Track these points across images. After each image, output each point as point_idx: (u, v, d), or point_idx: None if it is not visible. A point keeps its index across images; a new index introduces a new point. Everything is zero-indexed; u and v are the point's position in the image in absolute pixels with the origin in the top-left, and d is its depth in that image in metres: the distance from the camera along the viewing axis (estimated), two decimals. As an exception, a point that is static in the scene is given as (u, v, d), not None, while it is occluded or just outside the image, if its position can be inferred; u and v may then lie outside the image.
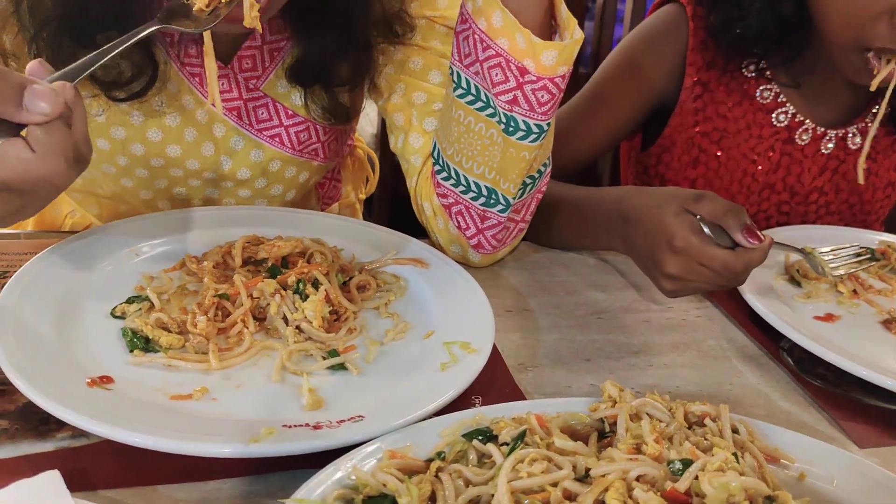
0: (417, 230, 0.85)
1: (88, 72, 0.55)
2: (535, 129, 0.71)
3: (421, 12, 0.83)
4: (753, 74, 1.03)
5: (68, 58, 0.69)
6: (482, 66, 0.70)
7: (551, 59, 0.67)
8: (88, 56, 0.55)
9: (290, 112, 0.84)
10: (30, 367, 0.53)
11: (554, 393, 0.65)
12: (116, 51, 0.56)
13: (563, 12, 0.70)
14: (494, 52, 0.68)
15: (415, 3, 0.83)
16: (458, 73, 0.73)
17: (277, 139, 0.84)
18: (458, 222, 0.80)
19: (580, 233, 0.89)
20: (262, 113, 0.83)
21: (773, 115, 1.03)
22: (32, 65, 0.53)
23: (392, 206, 2.04)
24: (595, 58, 1.75)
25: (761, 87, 1.03)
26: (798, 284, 0.85)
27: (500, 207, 0.76)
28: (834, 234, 0.97)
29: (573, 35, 0.68)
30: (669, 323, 0.78)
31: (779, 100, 1.03)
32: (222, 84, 0.81)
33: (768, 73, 1.02)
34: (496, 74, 0.69)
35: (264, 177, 0.86)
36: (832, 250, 0.87)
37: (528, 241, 0.89)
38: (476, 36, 0.69)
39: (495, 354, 0.67)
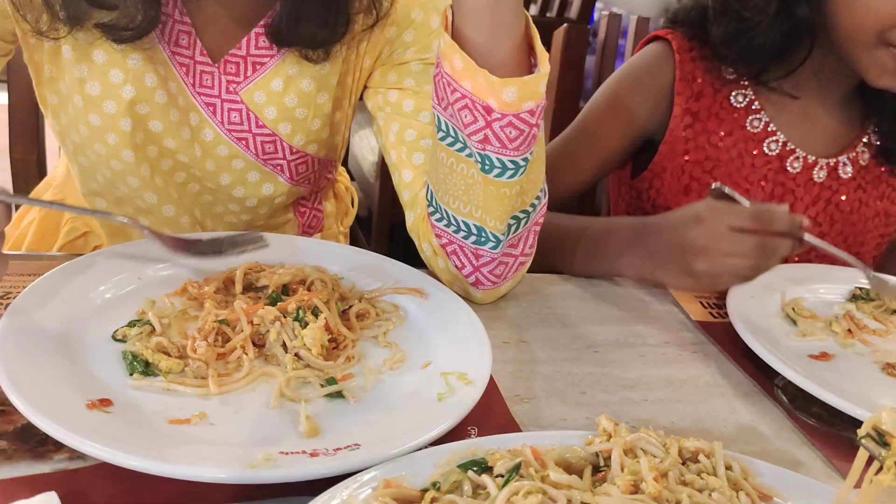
0: (416, 258, 0.86)
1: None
2: (510, 166, 0.71)
3: (416, 57, 0.86)
4: (743, 105, 1.05)
5: (75, 9, 0.75)
6: (453, 108, 0.70)
7: (512, 95, 0.67)
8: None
9: (260, 122, 0.86)
10: (30, 388, 0.53)
11: (549, 425, 0.65)
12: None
13: (538, 47, 0.70)
14: (461, 94, 0.68)
15: (411, 49, 0.86)
16: (437, 115, 0.73)
17: (244, 142, 0.87)
18: (455, 261, 0.80)
19: (588, 260, 0.92)
20: (235, 116, 0.86)
21: (765, 144, 1.05)
22: None
23: (391, 234, 2.05)
24: (596, 87, 1.77)
25: (751, 117, 1.05)
26: (793, 322, 0.86)
27: (490, 245, 0.77)
28: (827, 273, 0.98)
29: (542, 69, 0.68)
30: (665, 358, 0.79)
31: (769, 129, 1.05)
32: (206, 80, 0.84)
33: (757, 103, 1.04)
34: (465, 116, 0.69)
35: (228, 173, 0.89)
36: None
37: (530, 272, 0.90)
38: (444, 79, 0.69)
39: (492, 385, 0.67)
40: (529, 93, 0.67)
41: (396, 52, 0.87)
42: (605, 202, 1.46)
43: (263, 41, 0.84)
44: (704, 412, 0.71)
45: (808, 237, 0.84)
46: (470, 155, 0.72)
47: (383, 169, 1.91)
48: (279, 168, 0.90)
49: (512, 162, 0.70)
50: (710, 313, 0.88)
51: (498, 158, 0.70)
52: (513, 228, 0.77)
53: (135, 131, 0.83)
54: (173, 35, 0.82)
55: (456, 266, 0.81)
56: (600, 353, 0.78)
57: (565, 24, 1.32)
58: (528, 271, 0.87)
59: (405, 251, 0.90)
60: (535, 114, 0.69)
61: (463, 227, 0.77)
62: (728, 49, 1.00)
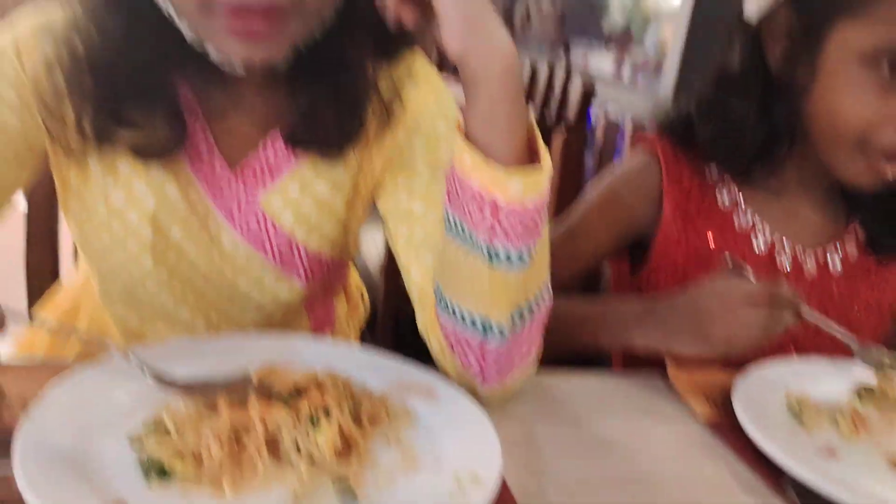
0: (420, 355, 0.87)
1: None
2: (515, 257, 0.74)
3: (425, 161, 0.90)
4: (729, 204, 1.09)
5: (104, 131, 0.79)
6: (463, 203, 0.74)
7: (517, 187, 0.71)
8: None
9: (277, 227, 0.89)
10: (48, 491, 0.54)
11: (561, 526, 0.66)
12: None
13: (541, 147, 0.74)
14: (470, 190, 0.73)
15: (420, 154, 0.90)
16: (447, 213, 0.77)
17: (261, 247, 0.90)
18: (460, 356, 0.82)
19: (596, 332, 0.98)
20: (253, 222, 0.89)
21: (753, 242, 1.08)
22: None
23: (395, 331, 2.06)
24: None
25: (737, 215, 1.09)
26: (799, 418, 0.86)
27: (495, 337, 0.79)
28: (830, 368, 0.99)
29: (545, 166, 0.72)
30: (674, 455, 0.79)
31: (756, 226, 1.08)
32: (225, 188, 0.88)
33: (743, 201, 1.08)
34: (474, 209, 0.73)
35: (245, 278, 0.91)
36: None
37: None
38: (456, 178, 0.74)
39: (502, 486, 0.68)
40: (533, 186, 0.71)
41: (405, 156, 0.91)
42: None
43: (280, 151, 0.88)
44: (715, 511, 0.71)
45: (806, 311, 0.91)
46: (477, 249, 0.75)
47: (388, 266, 1.94)
48: (295, 271, 0.93)
49: (518, 252, 0.74)
50: (716, 410, 0.89)
51: (504, 249, 0.73)
52: (517, 322, 0.79)
53: (156, 239, 0.86)
54: (195, 147, 0.86)
55: (462, 361, 0.82)
56: (610, 450, 0.79)
57: (564, 129, 1.38)
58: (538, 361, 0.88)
59: (410, 348, 0.92)
60: (539, 207, 0.73)
61: (468, 320, 0.79)
62: (713, 149, 1.05)
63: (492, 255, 0.74)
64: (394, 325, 2.07)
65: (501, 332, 0.78)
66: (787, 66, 0.98)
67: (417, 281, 0.87)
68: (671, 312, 0.93)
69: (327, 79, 0.84)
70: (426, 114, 0.91)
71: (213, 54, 0.77)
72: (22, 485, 0.54)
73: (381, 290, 2.06)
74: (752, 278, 0.92)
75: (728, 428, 0.85)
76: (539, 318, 0.83)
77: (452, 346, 0.82)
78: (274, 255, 0.90)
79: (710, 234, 1.08)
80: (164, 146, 0.81)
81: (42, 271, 1.23)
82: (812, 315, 0.91)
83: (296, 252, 0.91)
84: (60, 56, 0.78)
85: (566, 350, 1.00)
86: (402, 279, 0.91)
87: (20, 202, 1.13)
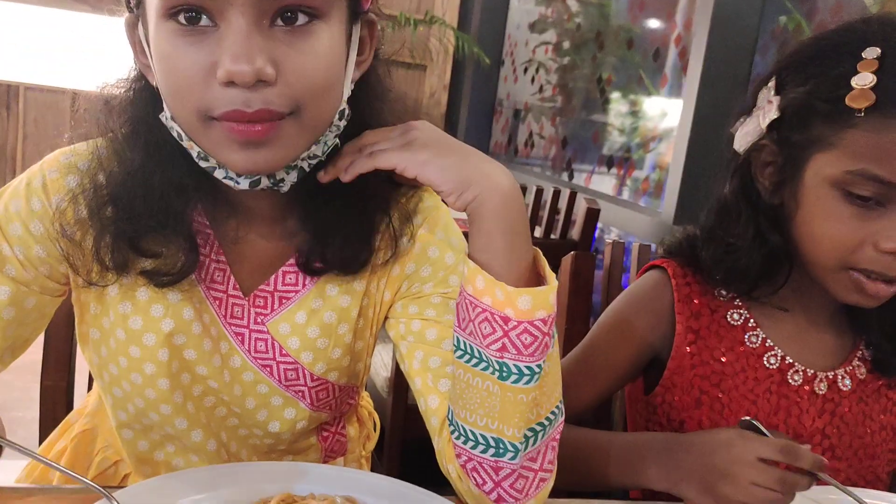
0: (429, 477, 0.87)
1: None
2: (526, 372, 0.77)
3: (435, 291, 0.92)
4: (739, 322, 1.11)
5: (123, 260, 0.82)
6: (473, 323, 0.78)
7: (527, 303, 0.75)
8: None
9: (284, 351, 0.91)
10: None
11: None
12: None
13: (546, 269, 0.80)
14: (482, 309, 0.77)
15: (429, 284, 0.92)
16: (457, 338, 0.81)
17: (268, 369, 0.92)
18: (475, 479, 0.82)
19: (611, 466, 0.97)
20: (261, 345, 0.91)
21: (764, 359, 1.10)
22: None
23: (403, 454, 2.03)
24: (605, 304, 1.85)
25: (748, 334, 1.10)
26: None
27: (509, 455, 0.79)
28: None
29: (551, 283, 0.78)
30: (697, 588, 0.78)
31: (766, 344, 1.10)
32: (237, 311, 0.90)
33: (752, 320, 1.10)
34: (485, 328, 0.77)
35: (253, 397, 0.93)
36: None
37: (553, 498, 0.90)
38: (467, 301, 0.78)
39: None
40: (541, 302, 0.76)
41: (415, 285, 0.93)
42: (620, 418, 1.48)
43: (290, 278, 0.91)
44: None
45: (824, 476, 0.89)
46: (486, 367, 0.78)
47: (396, 384, 1.94)
48: (300, 394, 0.94)
49: (528, 368, 0.76)
50: (740, 543, 0.88)
51: (515, 365, 0.76)
52: (531, 441, 0.80)
53: (171, 360, 0.88)
54: (209, 272, 0.89)
55: (477, 483, 0.82)
56: (631, 583, 0.77)
57: (573, 253, 1.41)
58: (553, 493, 0.88)
59: (417, 468, 0.92)
60: (547, 322, 0.77)
61: (481, 440, 0.80)
62: (717, 271, 1.08)
63: (503, 372, 0.77)
64: (401, 444, 2.04)
65: (515, 451, 0.79)
66: (774, 195, 1.04)
67: (434, 408, 0.88)
68: (686, 457, 0.93)
69: (337, 204, 0.87)
70: (435, 245, 0.93)
71: (221, 174, 0.80)
72: None
73: (388, 407, 2.05)
74: (769, 435, 0.91)
75: (751, 558, 0.83)
76: (553, 438, 0.84)
77: (467, 471, 0.82)
78: (279, 378, 0.92)
79: (721, 350, 1.10)
80: (178, 273, 0.84)
81: (56, 394, 1.24)
82: (829, 479, 0.90)
83: (301, 376, 0.93)
84: (83, 188, 0.83)
85: (581, 481, 0.99)
86: (409, 398, 0.91)
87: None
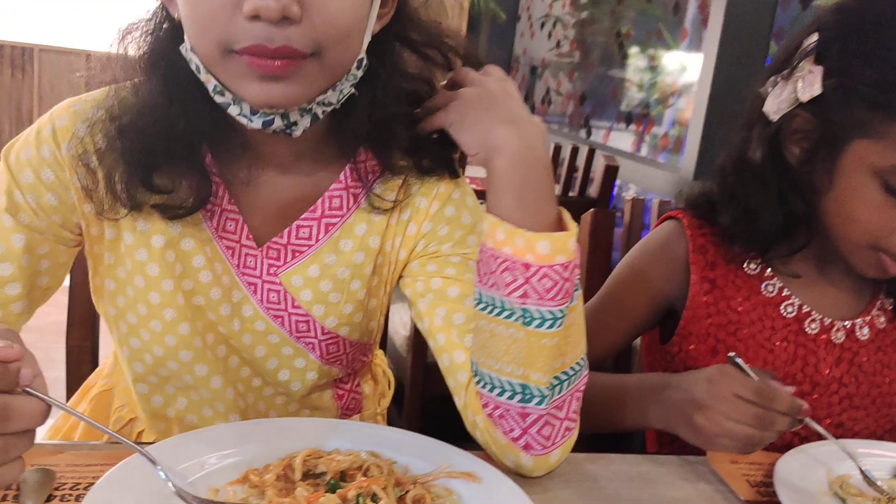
0: (451, 433, 0.88)
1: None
2: (548, 316, 0.79)
3: (454, 251, 0.93)
4: (756, 272, 1.11)
5: (134, 192, 0.83)
6: (495, 275, 0.80)
7: (545, 248, 0.77)
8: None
9: (296, 303, 0.92)
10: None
11: None
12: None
13: (569, 221, 0.82)
14: (502, 259, 0.79)
15: (448, 243, 0.93)
16: (479, 292, 0.83)
17: (279, 320, 0.93)
18: (503, 426, 0.83)
19: (621, 409, 1.00)
20: (273, 296, 0.92)
21: (781, 307, 1.10)
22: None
23: (422, 413, 2.05)
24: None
25: (765, 283, 1.10)
26: (842, 501, 0.85)
27: (535, 401, 0.81)
28: (871, 449, 0.98)
29: (571, 229, 0.80)
30: (718, 540, 0.79)
31: (783, 293, 1.10)
32: (249, 261, 0.91)
33: (769, 270, 1.10)
34: (507, 277, 0.79)
35: (263, 346, 0.94)
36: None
37: (574, 452, 0.91)
38: (488, 254, 0.80)
39: (549, 573, 0.67)
40: (560, 247, 0.78)
41: (432, 245, 0.94)
42: (638, 369, 1.49)
43: (304, 232, 0.92)
44: None
45: (808, 421, 0.90)
46: (510, 315, 0.80)
47: (415, 343, 1.95)
48: (311, 346, 0.95)
49: (550, 312, 0.79)
50: (758, 492, 0.89)
51: (537, 310, 0.78)
52: (556, 389, 0.82)
53: (186, 306, 0.90)
54: (221, 222, 0.90)
55: (505, 431, 0.83)
56: (653, 536, 0.78)
57: (592, 210, 1.41)
58: (577, 446, 0.89)
59: (437, 426, 0.93)
60: (568, 268, 0.79)
61: (507, 387, 0.82)
62: (735, 233, 1.07)
63: (526, 318, 0.79)
64: (420, 402, 2.07)
65: (542, 396, 0.81)
66: (805, 166, 1.02)
67: (461, 363, 0.89)
68: (674, 395, 0.95)
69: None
70: (451, 205, 0.94)
71: (235, 110, 0.79)
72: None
73: (408, 366, 2.07)
74: (753, 377, 0.91)
75: (772, 512, 0.84)
76: (577, 389, 0.85)
77: (495, 420, 0.83)
78: (290, 330, 0.93)
79: (738, 299, 1.10)
80: (191, 205, 0.85)
81: (81, 354, 1.25)
82: (813, 424, 0.91)
83: (312, 328, 0.94)
84: (99, 121, 0.83)
85: (600, 425, 1.01)
86: (428, 356, 0.92)
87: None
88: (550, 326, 0.79)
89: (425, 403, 2.06)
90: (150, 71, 0.83)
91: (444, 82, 0.90)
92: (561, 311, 0.79)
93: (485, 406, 0.84)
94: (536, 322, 0.79)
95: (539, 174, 0.81)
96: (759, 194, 1.04)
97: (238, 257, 0.91)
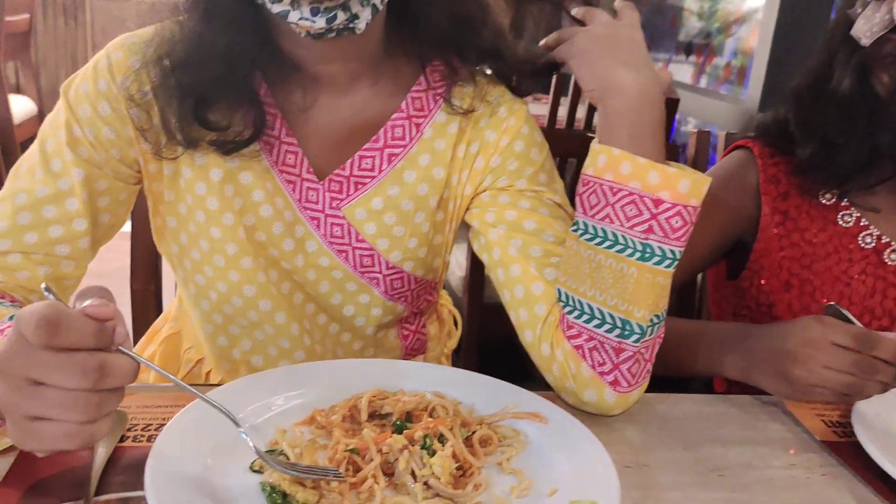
0: (509, 374, 0.86)
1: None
2: (669, 255, 0.79)
3: (527, 186, 0.91)
4: (832, 202, 1.06)
5: (189, 129, 0.83)
6: (613, 207, 0.80)
7: (686, 187, 0.78)
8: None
9: (360, 237, 0.91)
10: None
11: (683, 556, 0.64)
12: None
13: (676, 167, 0.81)
14: (626, 193, 0.79)
15: (521, 179, 0.91)
16: (584, 223, 0.83)
17: (343, 255, 0.92)
18: (593, 359, 0.83)
19: (693, 354, 0.98)
20: (337, 230, 0.91)
21: (859, 238, 1.05)
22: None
23: (480, 353, 2.05)
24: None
25: (841, 213, 1.06)
26: (926, 441, 0.82)
27: (634, 337, 0.81)
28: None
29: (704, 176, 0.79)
30: (794, 482, 0.76)
31: (861, 223, 1.05)
32: (311, 195, 0.90)
33: (846, 199, 1.05)
34: (630, 210, 0.79)
35: (328, 282, 0.93)
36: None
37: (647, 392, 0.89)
38: (604, 188, 0.80)
39: (620, 514, 0.66)
40: (697, 190, 0.78)
41: (501, 179, 0.92)
42: (705, 307, 1.46)
43: (367, 163, 0.90)
44: (845, 540, 0.68)
45: None
46: (624, 249, 0.80)
47: (472, 284, 1.94)
48: (375, 281, 0.94)
49: (671, 251, 0.79)
50: (835, 432, 0.86)
51: (659, 247, 0.79)
52: (650, 330, 0.82)
53: (248, 240, 0.89)
54: (280, 154, 0.89)
55: (594, 364, 0.82)
56: (726, 476, 0.76)
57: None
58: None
59: (494, 367, 0.92)
60: (696, 212, 0.79)
61: (608, 319, 0.81)
62: (813, 166, 1.02)
63: (646, 254, 0.79)
64: (476, 344, 2.07)
65: (641, 333, 0.81)
66: (895, 97, 0.95)
67: (539, 295, 0.87)
68: (761, 344, 0.91)
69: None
70: (521, 140, 0.92)
71: (296, 15, 0.76)
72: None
73: (464, 307, 2.07)
74: (857, 323, 0.87)
75: (849, 451, 0.81)
76: (659, 336, 0.85)
77: (584, 352, 0.83)
78: (355, 264, 0.92)
79: (813, 230, 1.06)
80: (247, 138, 0.84)
81: (146, 298, 1.27)
82: None
83: (376, 263, 0.93)
84: (150, 59, 0.83)
85: (669, 368, 0.98)
86: (485, 296, 0.91)
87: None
88: (669, 265, 0.79)
89: (482, 344, 2.07)
90: (196, 5, 0.81)
91: (574, 11, 0.90)
92: (680, 251, 0.79)
93: (574, 336, 0.83)
94: (656, 259, 0.79)
95: (653, 120, 0.82)
96: (842, 126, 0.99)
97: (299, 191, 0.90)
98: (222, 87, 0.82)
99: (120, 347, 0.58)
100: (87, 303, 0.57)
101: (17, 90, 3.72)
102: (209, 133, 0.84)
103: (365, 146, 0.90)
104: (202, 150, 0.86)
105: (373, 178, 0.90)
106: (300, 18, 0.76)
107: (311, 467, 0.66)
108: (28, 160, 0.86)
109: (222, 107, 0.83)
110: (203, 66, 0.80)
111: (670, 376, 1.00)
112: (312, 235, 0.91)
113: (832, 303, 0.89)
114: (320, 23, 0.76)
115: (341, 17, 0.77)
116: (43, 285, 0.60)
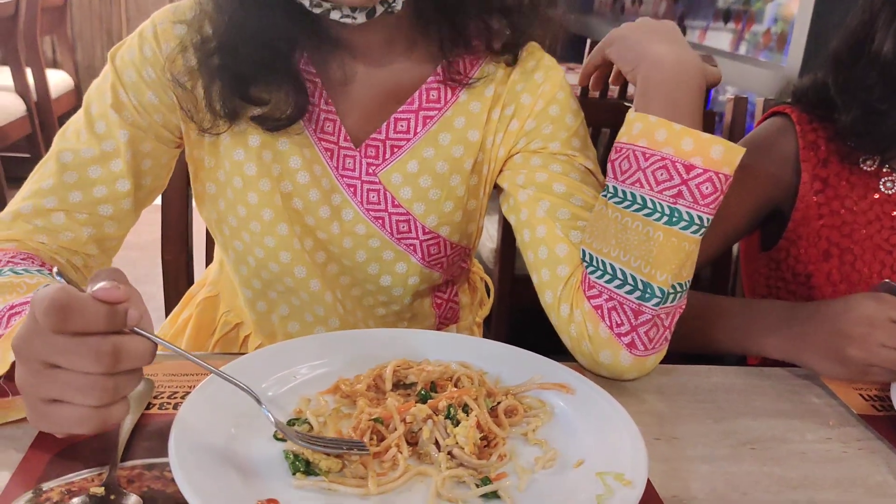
0: (541, 346, 0.85)
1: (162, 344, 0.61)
2: (696, 221, 0.78)
3: (560, 150, 0.91)
4: (873, 168, 1.03)
5: (233, 107, 0.84)
6: (644, 172, 0.80)
7: (718, 153, 0.77)
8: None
9: (396, 202, 0.91)
10: (207, 491, 0.56)
11: (712, 529, 0.63)
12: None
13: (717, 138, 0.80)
14: (659, 157, 0.79)
15: (554, 142, 0.91)
16: (615, 187, 0.82)
17: (380, 221, 0.92)
18: (611, 319, 0.82)
19: (731, 332, 0.95)
20: (373, 196, 0.91)
21: None
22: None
23: (510, 323, 2.04)
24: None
25: (883, 179, 1.03)
26: (968, 415, 0.80)
27: (654, 301, 0.80)
28: None
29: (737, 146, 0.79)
30: (829, 455, 0.75)
31: None
32: (348, 163, 0.90)
33: (887, 165, 1.02)
34: (661, 174, 0.79)
35: (364, 251, 0.93)
36: None
37: (671, 364, 0.88)
38: (636, 153, 0.80)
39: (647, 485, 0.65)
40: (730, 159, 0.78)
41: (535, 141, 0.91)
42: (738, 279, 1.43)
43: (402, 125, 0.90)
44: (881, 516, 0.66)
45: None
46: (651, 213, 0.80)
47: (503, 254, 1.93)
48: (412, 247, 0.94)
49: (699, 217, 0.79)
50: (874, 406, 0.83)
51: (688, 212, 0.78)
52: (671, 297, 0.81)
53: (285, 207, 0.90)
54: (319, 122, 0.90)
55: (612, 324, 0.82)
56: (758, 449, 0.75)
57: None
58: (671, 360, 0.86)
59: (525, 338, 0.91)
60: (728, 180, 0.78)
61: (630, 280, 0.81)
62: (855, 132, 0.99)
63: (673, 218, 0.79)
64: (508, 314, 2.06)
65: (662, 297, 0.80)
66: None
67: (563, 256, 0.87)
68: (810, 324, 0.88)
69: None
70: (556, 104, 0.92)
71: (337, 14, 0.79)
72: (185, 489, 0.55)
73: (495, 277, 2.06)
74: None
75: (888, 425, 0.79)
76: (680, 306, 0.84)
77: (603, 312, 0.82)
78: (392, 231, 0.92)
79: (853, 198, 1.02)
80: (288, 117, 0.85)
81: (177, 268, 1.28)
82: None
83: (413, 228, 0.92)
84: (191, 38, 0.84)
85: (692, 345, 0.96)
86: (516, 267, 0.91)
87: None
88: (695, 231, 0.79)
89: (513, 315, 2.06)
90: None
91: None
92: (708, 219, 0.79)
93: (595, 297, 0.83)
94: (683, 224, 0.78)
95: (690, 91, 0.82)
96: (885, 92, 0.95)
97: (337, 159, 0.90)
98: (265, 69, 0.84)
99: (135, 329, 0.57)
100: (98, 286, 0.56)
101: (54, 65, 3.76)
102: (252, 108, 0.86)
103: (400, 109, 0.90)
104: (243, 122, 0.87)
105: (408, 140, 0.91)
106: (342, 17, 0.80)
107: (334, 439, 0.65)
108: (74, 122, 0.88)
109: (265, 83, 0.85)
110: (246, 49, 0.82)
111: (694, 352, 0.98)
112: (349, 203, 0.91)
113: (887, 280, 0.86)
114: (361, 18, 0.80)
115: (380, 8, 0.80)
116: (55, 269, 0.60)
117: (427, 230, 0.93)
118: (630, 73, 0.85)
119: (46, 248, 0.84)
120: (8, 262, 0.78)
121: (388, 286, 0.96)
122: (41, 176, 0.86)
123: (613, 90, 2.35)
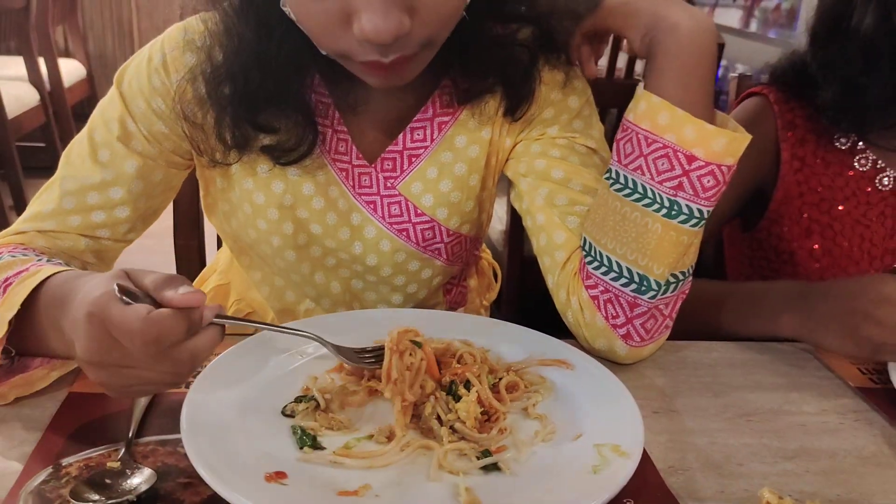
0: (548, 326, 0.87)
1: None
2: (696, 214, 0.77)
3: (560, 134, 0.90)
4: (847, 145, 1.05)
5: (244, 138, 0.83)
6: (646, 159, 0.78)
7: (720, 146, 0.75)
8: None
9: (419, 211, 0.91)
10: (215, 462, 0.58)
11: (707, 498, 0.64)
12: None
13: (726, 118, 0.78)
14: (661, 145, 0.77)
15: (554, 127, 0.90)
16: (616, 171, 0.81)
17: (405, 233, 0.91)
18: (607, 311, 0.82)
19: (740, 314, 0.95)
20: (395, 209, 0.91)
21: (877, 180, 1.04)
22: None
23: (520, 305, 2.06)
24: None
25: (857, 157, 1.04)
26: (965, 387, 0.81)
27: (650, 294, 0.80)
28: None
29: (743, 134, 0.76)
30: (826, 427, 0.76)
31: (878, 166, 1.04)
32: (364, 180, 0.90)
33: (861, 143, 1.03)
34: (662, 164, 0.77)
35: (389, 266, 0.93)
36: None
37: (672, 340, 0.89)
38: (639, 136, 0.78)
39: (644, 457, 0.67)
40: (733, 149, 0.76)
41: (536, 128, 0.91)
42: (712, 262, 1.43)
43: (419, 134, 0.89)
44: (873, 485, 0.68)
45: None
46: (651, 204, 0.78)
47: (511, 237, 1.94)
48: (437, 252, 0.94)
49: (699, 210, 0.77)
50: (870, 379, 0.85)
51: (687, 205, 0.77)
52: (670, 287, 0.81)
53: (296, 234, 0.90)
54: (332, 144, 0.88)
55: (607, 316, 0.83)
56: (755, 422, 0.76)
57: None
58: (673, 337, 0.88)
59: (534, 320, 0.92)
60: (730, 172, 0.77)
61: (626, 273, 0.81)
62: (837, 109, 0.99)
63: (673, 211, 0.77)
64: (517, 296, 2.07)
65: (658, 289, 0.80)
66: None
67: (560, 243, 0.88)
68: (824, 303, 0.88)
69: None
70: (557, 88, 0.91)
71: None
72: (195, 460, 0.58)
73: (504, 260, 2.07)
74: None
75: (884, 397, 0.80)
76: (682, 292, 0.84)
77: (599, 303, 0.83)
78: (417, 241, 0.92)
79: (829, 174, 1.03)
80: (298, 150, 0.84)
81: (189, 253, 1.31)
82: None
83: (438, 234, 0.92)
84: (201, 68, 0.82)
85: (702, 329, 0.97)
86: (525, 250, 0.91)
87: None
88: (694, 225, 0.78)
89: (521, 298, 2.07)
90: (243, 14, 0.79)
91: None
92: (708, 211, 0.78)
93: (591, 287, 0.83)
94: (682, 217, 0.77)
95: (703, 66, 0.78)
96: (865, 66, 0.95)
97: (352, 178, 0.89)
98: (276, 98, 0.82)
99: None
100: (181, 291, 0.60)
101: (66, 54, 3.78)
102: (262, 139, 0.84)
103: (416, 118, 0.89)
104: (254, 153, 0.86)
105: (425, 148, 0.90)
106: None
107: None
108: (78, 146, 0.87)
109: (275, 111, 0.83)
110: (256, 77, 0.79)
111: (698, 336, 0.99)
112: (370, 220, 0.91)
113: None
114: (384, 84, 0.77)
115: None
116: (115, 286, 0.60)
117: (451, 232, 0.93)
118: (640, 40, 0.80)
119: (46, 250, 0.85)
120: (9, 252, 0.79)
121: (415, 292, 0.98)
122: (42, 201, 0.86)
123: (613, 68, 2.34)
